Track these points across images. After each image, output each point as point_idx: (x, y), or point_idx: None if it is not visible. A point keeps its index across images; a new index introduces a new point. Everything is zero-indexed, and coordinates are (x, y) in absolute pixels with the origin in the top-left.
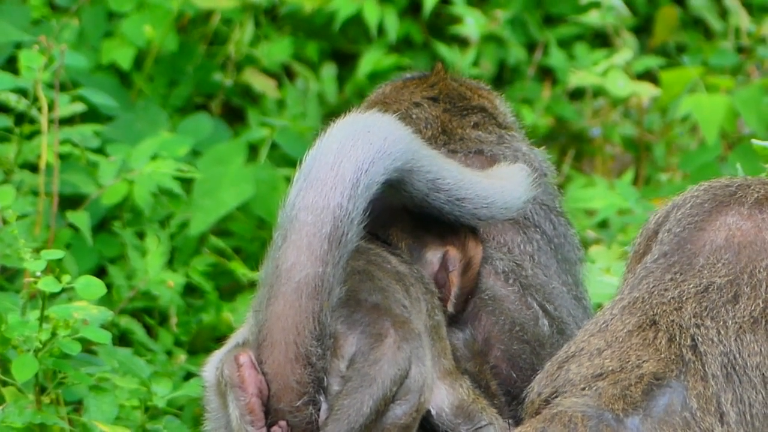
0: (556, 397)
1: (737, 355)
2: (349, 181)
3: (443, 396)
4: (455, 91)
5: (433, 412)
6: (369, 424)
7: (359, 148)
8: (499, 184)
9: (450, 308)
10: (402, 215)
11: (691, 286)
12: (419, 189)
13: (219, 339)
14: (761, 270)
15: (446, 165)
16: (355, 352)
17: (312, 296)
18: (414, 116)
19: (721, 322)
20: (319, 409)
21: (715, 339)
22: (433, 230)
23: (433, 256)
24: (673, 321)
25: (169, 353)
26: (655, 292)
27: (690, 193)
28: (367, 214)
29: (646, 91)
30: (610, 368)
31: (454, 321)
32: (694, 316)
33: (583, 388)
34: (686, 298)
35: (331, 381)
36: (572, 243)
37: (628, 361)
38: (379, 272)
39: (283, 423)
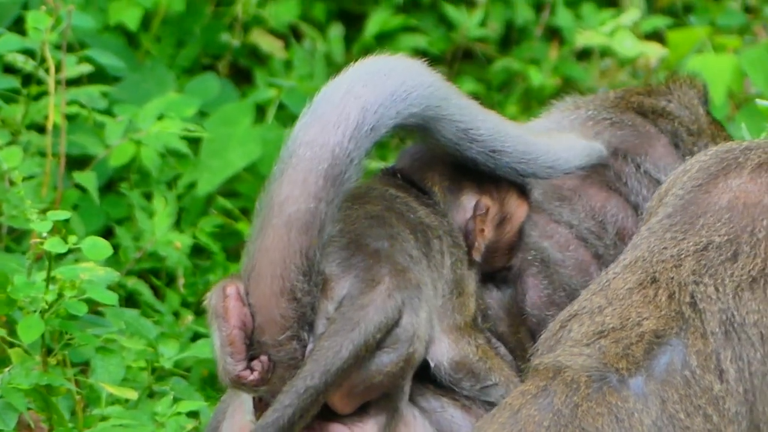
0: (559, 356)
1: (735, 313)
2: (353, 121)
3: (444, 350)
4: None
5: (431, 364)
6: (347, 368)
7: (370, 89)
8: (546, 143)
9: (477, 257)
10: (442, 159)
11: (691, 244)
12: (448, 137)
13: None
14: (761, 230)
15: (482, 116)
16: (345, 295)
17: (302, 231)
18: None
19: (719, 280)
20: (304, 346)
21: (714, 296)
22: (474, 178)
23: (468, 202)
24: (672, 278)
25: (176, 314)
26: (656, 251)
27: (699, 157)
28: (368, 155)
29: (654, 51)
30: (611, 326)
31: (496, 277)
32: (692, 274)
33: (586, 345)
34: (685, 256)
35: (318, 322)
36: None
37: (629, 319)
38: (395, 220)
39: (264, 358)
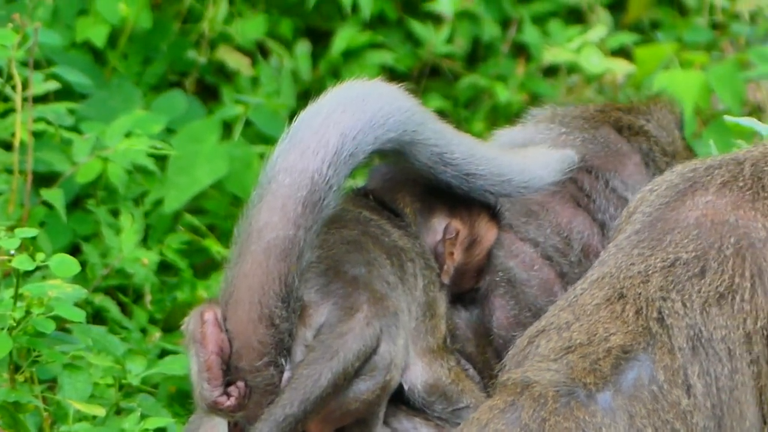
0: (527, 371)
1: (703, 328)
2: (332, 147)
3: (418, 373)
4: None
5: (405, 387)
6: (326, 396)
7: (349, 115)
8: (521, 162)
9: (446, 280)
10: (414, 181)
11: (658, 260)
12: (422, 161)
13: None
14: (728, 247)
15: (457, 140)
16: (324, 322)
17: (280, 258)
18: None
19: (687, 296)
20: (281, 372)
21: (681, 312)
22: (445, 199)
23: (439, 224)
24: (639, 294)
25: (143, 331)
26: (623, 266)
27: (665, 176)
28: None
29: (621, 67)
30: (578, 341)
31: (464, 298)
32: (660, 290)
33: (554, 360)
34: (652, 272)
35: (296, 349)
36: None
37: (596, 334)
38: (371, 245)
39: (241, 384)
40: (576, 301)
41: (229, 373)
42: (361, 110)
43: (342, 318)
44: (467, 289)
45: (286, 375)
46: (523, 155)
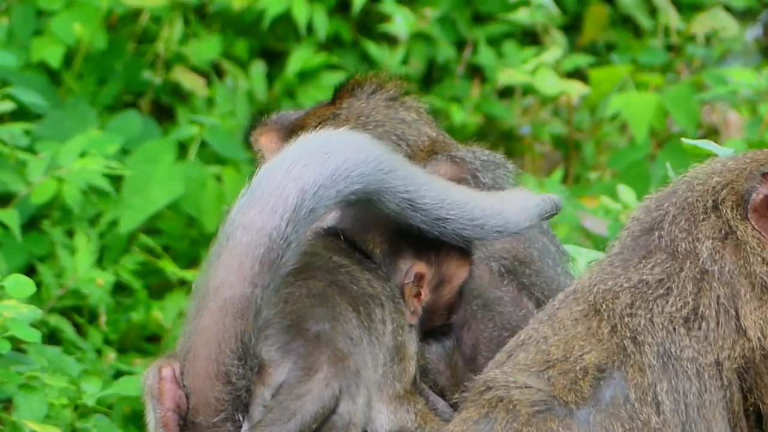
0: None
1: (672, 346)
2: (291, 204)
3: (383, 421)
4: None
5: None
6: None
7: (310, 170)
8: (497, 206)
9: (413, 321)
10: (385, 221)
11: (625, 279)
12: (392, 208)
13: (148, 337)
14: (695, 275)
15: (427, 186)
16: (283, 382)
17: (237, 316)
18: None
19: (655, 313)
20: (238, 428)
21: (650, 329)
22: (413, 240)
23: (405, 266)
24: (612, 310)
25: (98, 351)
26: (597, 281)
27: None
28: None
29: (576, 89)
30: (556, 357)
31: (435, 332)
32: (629, 306)
33: (530, 375)
34: (620, 290)
35: (254, 407)
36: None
37: (573, 351)
38: (337, 297)
39: None
40: (555, 315)
41: (186, 428)
42: (323, 164)
43: (301, 378)
44: (438, 326)
45: (244, 431)
46: (501, 198)
